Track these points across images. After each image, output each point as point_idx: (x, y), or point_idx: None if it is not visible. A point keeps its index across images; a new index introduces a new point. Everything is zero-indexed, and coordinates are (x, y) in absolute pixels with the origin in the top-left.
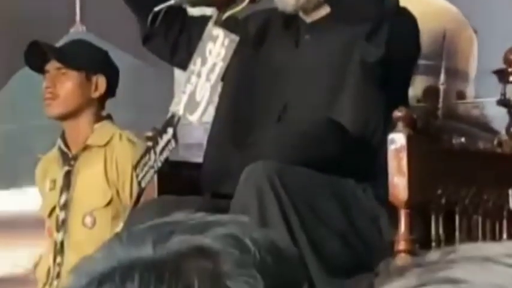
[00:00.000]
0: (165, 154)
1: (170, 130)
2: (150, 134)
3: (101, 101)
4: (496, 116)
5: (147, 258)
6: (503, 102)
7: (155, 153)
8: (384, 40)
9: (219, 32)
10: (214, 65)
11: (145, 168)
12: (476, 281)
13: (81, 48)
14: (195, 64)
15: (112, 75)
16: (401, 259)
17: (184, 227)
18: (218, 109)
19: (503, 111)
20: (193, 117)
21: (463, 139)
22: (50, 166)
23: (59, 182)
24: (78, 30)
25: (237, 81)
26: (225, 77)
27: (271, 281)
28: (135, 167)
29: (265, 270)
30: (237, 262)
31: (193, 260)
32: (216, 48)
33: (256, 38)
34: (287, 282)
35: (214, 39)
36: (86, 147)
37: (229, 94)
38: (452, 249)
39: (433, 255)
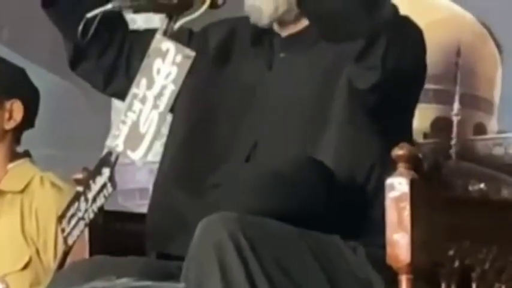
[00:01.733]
0: (99, 202)
1: (106, 171)
2: (79, 176)
3: (16, 133)
4: None
5: None
6: None
7: (86, 200)
8: (379, 60)
9: (169, 46)
10: (164, 88)
11: (74, 221)
12: None
13: None
14: (139, 87)
15: (30, 99)
16: None
17: None
18: (168, 145)
19: None
20: (136, 155)
21: (482, 185)
22: None
23: None
24: None
25: (192, 110)
26: (176, 104)
27: None
28: (60, 219)
29: None
30: None
31: None
32: (166, 66)
33: (218, 55)
34: None
35: (163, 54)
36: None
37: (183, 126)
38: None
39: None
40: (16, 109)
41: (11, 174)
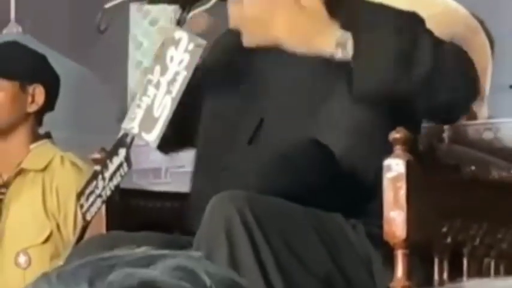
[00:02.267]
0: (115, 180)
1: (122, 152)
2: (97, 156)
3: (38, 115)
4: None
5: None
6: None
7: (104, 179)
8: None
9: (182, 35)
10: (176, 74)
11: (92, 198)
12: None
13: (15, 53)
14: (153, 73)
15: (51, 84)
16: None
17: (127, 260)
18: (199, 131)
19: None
20: (150, 137)
21: (473, 167)
22: None
23: None
24: (12, 31)
25: (216, 95)
26: (203, 100)
27: None
28: (78, 196)
29: None
30: None
31: None
32: (179, 54)
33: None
34: None
35: (176, 43)
36: (20, 172)
37: (205, 118)
38: (459, 286)
39: None
40: (38, 93)
41: (33, 153)
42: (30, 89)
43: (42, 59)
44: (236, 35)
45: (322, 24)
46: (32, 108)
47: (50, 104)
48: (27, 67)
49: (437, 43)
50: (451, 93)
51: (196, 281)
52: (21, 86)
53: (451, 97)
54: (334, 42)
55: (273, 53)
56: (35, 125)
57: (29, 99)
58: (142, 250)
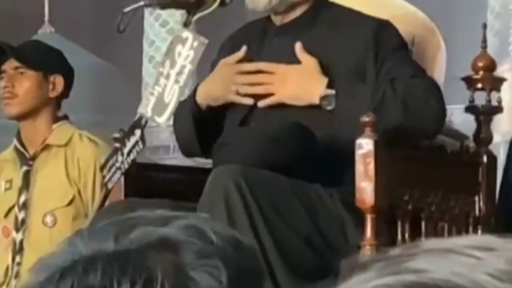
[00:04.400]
0: (132, 156)
1: (138, 132)
2: (117, 135)
3: (58, 101)
4: (464, 122)
5: (110, 250)
6: (471, 109)
7: (122, 154)
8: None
9: (188, 35)
10: (183, 67)
11: (113, 170)
12: (437, 270)
13: (38, 48)
14: (164, 66)
15: (68, 75)
16: (364, 255)
17: (146, 220)
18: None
19: (470, 118)
20: (161, 119)
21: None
22: (5, 166)
23: (17, 182)
24: (46, 31)
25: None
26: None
27: (233, 271)
28: (102, 168)
29: (227, 260)
30: (200, 252)
31: (156, 251)
32: (185, 50)
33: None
34: (249, 272)
35: (183, 41)
36: (45, 147)
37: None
38: (415, 244)
39: (396, 250)
40: (58, 82)
41: (56, 131)
42: (51, 78)
43: (60, 54)
44: (239, 35)
45: (311, 81)
46: (53, 94)
47: (67, 91)
48: (48, 60)
49: (415, 74)
50: (418, 126)
51: (204, 237)
52: (44, 76)
53: (417, 130)
54: (318, 97)
55: (261, 53)
56: (55, 108)
57: (50, 86)
58: (159, 212)
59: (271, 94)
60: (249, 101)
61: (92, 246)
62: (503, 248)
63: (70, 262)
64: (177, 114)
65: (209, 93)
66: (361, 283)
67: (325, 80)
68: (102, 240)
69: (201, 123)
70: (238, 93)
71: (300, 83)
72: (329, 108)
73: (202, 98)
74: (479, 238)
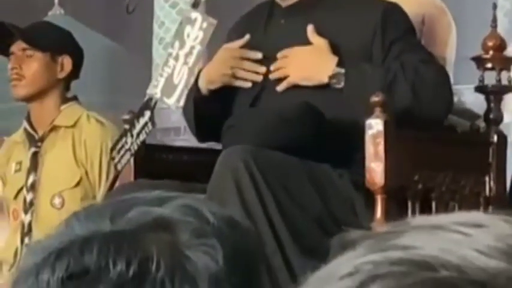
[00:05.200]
0: (141, 137)
1: (147, 113)
2: (127, 116)
3: (67, 82)
4: (474, 102)
5: (106, 231)
6: (481, 88)
7: (132, 136)
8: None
9: (197, 15)
10: (192, 48)
11: (122, 151)
12: (425, 246)
13: (46, 29)
14: (173, 47)
15: (77, 55)
16: (353, 233)
17: (143, 200)
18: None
19: (480, 97)
20: (171, 101)
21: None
22: (15, 148)
23: (26, 164)
24: (56, 13)
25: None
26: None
27: (230, 251)
28: (111, 150)
29: (223, 239)
30: (196, 232)
31: (151, 231)
32: (194, 31)
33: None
34: (245, 252)
35: (192, 22)
36: (53, 128)
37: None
38: (404, 221)
39: (386, 227)
40: (66, 63)
41: (64, 113)
42: (59, 59)
43: (69, 35)
44: (245, 21)
45: (322, 61)
46: (61, 75)
47: (76, 72)
48: (56, 41)
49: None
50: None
51: (200, 217)
52: (52, 57)
53: (426, 115)
54: (327, 75)
55: (268, 35)
56: (64, 89)
57: (59, 68)
58: (156, 193)
59: (285, 77)
60: (246, 84)
61: (88, 227)
62: (492, 225)
63: (66, 243)
64: (186, 96)
65: (207, 76)
66: (349, 260)
67: (335, 59)
68: (99, 221)
69: (201, 107)
70: (234, 77)
71: (311, 63)
72: (338, 86)
73: (202, 82)
74: (468, 215)
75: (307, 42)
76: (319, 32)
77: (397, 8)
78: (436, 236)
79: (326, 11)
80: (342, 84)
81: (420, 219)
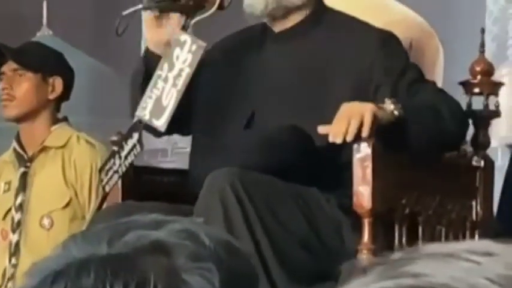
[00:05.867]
0: (130, 159)
1: (135, 135)
2: (115, 138)
3: (57, 103)
4: None
5: (103, 254)
6: (468, 113)
7: (120, 158)
8: None
9: (186, 38)
10: (181, 70)
11: (110, 173)
12: (436, 274)
13: (37, 50)
14: (162, 69)
15: (68, 77)
16: (365, 259)
17: (140, 224)
18: (195, 119)
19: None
20: (159, 122)
21: None
22: (4, 168)
23: (15, 184)
24: (44, 34)
25: (208, 92)
26: (198, 84)
27: (226, 274)
28: (100, 171)
29: (220, 263)
30: (192, 255)
31: (148, 254)
32: (183, 54)
33: (222, 61)
34: (242, 276)
35: (181, 44)
36: (43, 149)
37: (204, 103)
38: (416, 248)
39: (397, 254)
40: (57, 84)
41: (54, 134)
42: (50, 80)
43: (60, 55)
44: (234, 39)
45: (357, 104)
46: (52, 96)
47: (66, 93)
48: (48, 62)
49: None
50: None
51: (197, 241)
52: (43, 77)
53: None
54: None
55: (262, 60)
56: (55, 110)
57: (50, 88)
58: (152, 216)
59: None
60: None
61: (86, 249)
62: (502, 253)
63: (63, 266)
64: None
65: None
66: (360, 286)
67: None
68: (96, 244)
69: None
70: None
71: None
72: (399, 111)
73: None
74: (479, 243)
75: (301, 68)
76: (315, 59)
77: (393, 37)
78: (447, 263)
79: (320, 36)
80: (400, 111)
81: (432, 247)
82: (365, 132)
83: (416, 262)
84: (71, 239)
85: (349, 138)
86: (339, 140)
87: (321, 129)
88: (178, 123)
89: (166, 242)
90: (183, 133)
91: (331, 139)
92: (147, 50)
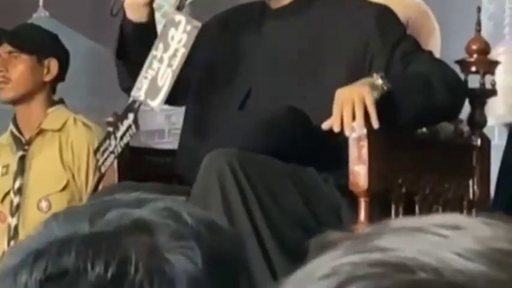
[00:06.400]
0: (125, 139)
1: (131, 115)
2: (110, 119)
3: (53, 84)
4: None
5: (84, 232)
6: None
7: (116, 138)
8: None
9: (181, 18)
10: (176, 50)
11: (106, 154)
12: (403, 248)
13: (32, 32)
14: (157, 49)
15: (63, 58)
16: (333, 234)
17: (122, 202)
18: (189, 97)
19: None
20: (155, 103)
21: (424, 129)
22: (2, 151)
23: (13, 167)
24: (40, 16)
25: (204, 68)
26: (192, 64)
27: (208, 253)
28: (95, 152)
29: (202, 242)
30: (175, 234)
31: (130, 232)
32: (178, 34)
33: (218, 35)
34: (225, 254)
35: (176, 25)
36: (40, 132)
37: (198, 81)
38: (384, 223)
39: (366, 229)
40: (52, 66)
41: (51, 116)
42: (45, 62)
43: (55, 37)
44: (230, 17)
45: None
46: (48, 78)
47: (62, 75)
48: (43, 43)
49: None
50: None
51: (179, 219)
52: (38, 59)
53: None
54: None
55: (260, 36)
56: (51, 92)
57: (45, 70)
58: (135, 194)
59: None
60: None
61: (67, 228)
62: (471, 227)
63: (44, 244)
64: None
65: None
66: (327, 261)
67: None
68: (77, 223)
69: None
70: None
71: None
72: (388, 86)
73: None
74: (448, 217)
75: (303, 44)
76: (312, 35)
77: (390, 10)
78: (414, 238)
79: (317, 12)
80: (388, 85)
81: (399, 221)
82: (375, 123)
83: (384, 237)
84: (52, 218)
85: (358, 130)
86: (348, 133)
87: (325, 125)
88: (173, 95)
89: (149, 220)
90: (177, 105)
91: (337, 130)
92: (124, 16)
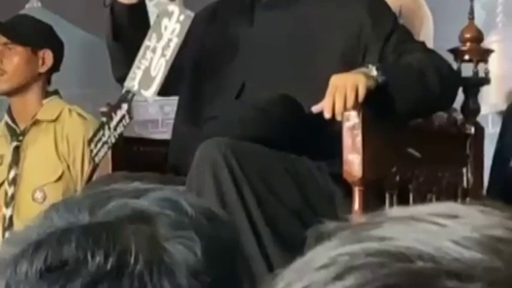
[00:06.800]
0: (119, 130)
1: (125, 106)
2: (104, 109)
3: (48, 75)
4: None
5: (84, 223)
6: (458, 80)
7: (109, 128)
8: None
9: (174, 8)
10: (169, 40)
11: (99, 144)
12: (401, 237)
13: (27, 23)
14: (151, 40)
15: (58, 49)
16: (330, 224)
17: (122, 192)
18: (182, 87)
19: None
20: (148, 93)
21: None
22: None
23: (8, 158)
24: (33, 6)
25: (197, 58)
26: (186, 55)
27: (208, 242)
28: (89, 143)
29: (201, 231)
30: (174, 224)
31: (130, 222)
32: (171, 24)
33: (209, 25)
34: (223, 244)
35: (169, 15)
36: (35, 123)
37: (190, 71)
38: (380, 213)
39: (362, 218)
40: (47, 57)
41: (46, 107)
42: (40, 53)
43: (50, 28)
44: (220, 7)
45: (349, 74)
46: (43, 69)
47: (56, 65)
48: (37, 35)
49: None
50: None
51: (179, 209)
52: (33, 51)
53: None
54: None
55: (253, 27)
56: (46, 83)
57: (40, 61)
58: (134, 185)
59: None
60: None
61: (67, 218)
62: (468, 215)
63: (44, 235)
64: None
65: None
66: (325, 251)
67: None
68: (77, 213)
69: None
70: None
71: (345, 75)
72: (382, 78)
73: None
74: (444, 205)
75: (290, 35)
76: (304, 26)
77: (380, 1)
78: (412, 227)
79: (309, 3)
80: (382, 77)
81: (397, 210)
82: (362, 105)
83: (382, 226)
84: (52, 208)
85: (352, 119)
86: (339, 118)
87: (315, 108)
88: (166, 85)
89: (148, 210)
90: (169, 95)
91: (327, 116)
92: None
